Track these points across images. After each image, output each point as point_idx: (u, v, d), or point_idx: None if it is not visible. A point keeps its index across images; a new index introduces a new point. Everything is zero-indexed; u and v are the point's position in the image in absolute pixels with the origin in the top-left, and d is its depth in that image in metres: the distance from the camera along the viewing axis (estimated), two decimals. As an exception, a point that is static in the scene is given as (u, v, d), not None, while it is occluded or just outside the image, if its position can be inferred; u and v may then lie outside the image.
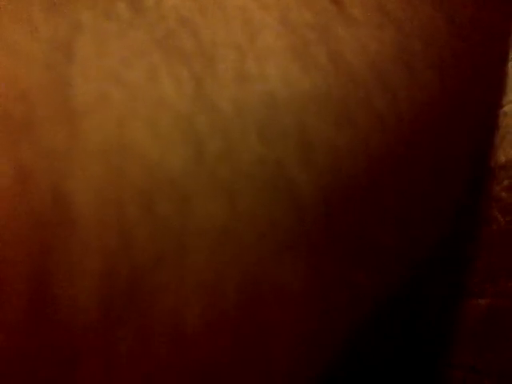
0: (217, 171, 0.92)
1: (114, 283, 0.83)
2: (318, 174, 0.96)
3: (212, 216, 0.89)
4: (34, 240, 0.83)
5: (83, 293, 0.82)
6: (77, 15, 0.89)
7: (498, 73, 1.16)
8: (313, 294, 0.90)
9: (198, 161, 0.92)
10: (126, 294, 0.82)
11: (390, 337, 0.98)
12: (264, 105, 0.97)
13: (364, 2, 1.05)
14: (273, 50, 0.99)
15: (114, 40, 0.90)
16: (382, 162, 1.01)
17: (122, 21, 0.91)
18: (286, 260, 0.91)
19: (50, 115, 0.87)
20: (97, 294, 0.82)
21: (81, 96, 0.89)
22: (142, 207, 0.87)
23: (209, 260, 0.87)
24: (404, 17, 1.09)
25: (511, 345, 0.91)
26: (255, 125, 0.96)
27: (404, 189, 1.02)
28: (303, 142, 0.97)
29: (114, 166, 0.88)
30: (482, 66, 1.13)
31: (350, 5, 1.05)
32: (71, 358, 0.81)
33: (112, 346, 0.81)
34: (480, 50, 1.14)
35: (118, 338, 0.81)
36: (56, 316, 0.82)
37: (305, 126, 0.98)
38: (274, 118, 0.97)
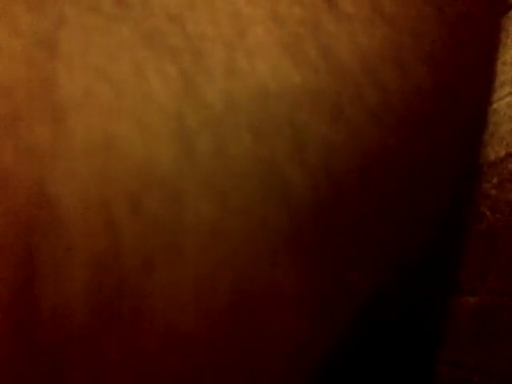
0: (208, 169, 0.90)
1: (103, 286, 0.81)
2: (310, 170, 0.94)
3: (203, 215, 0.87)
4: (18, 243, 0.80)
5: (71, 297, 0.79)
6: (60, 9, 0.86)
7: (487, 70, 1.15)
8: (306, 293, 0.89)
9: (188, 159, 0.90)
10: (115, 297, 0.80)
11: (381, 334, 0.98)
12: (255, 101, 0.95)
13: (355, -3, 1.04)
14: (263, 45, 0.97)
15: (98, 35, 0.88)
16: (374, 158, 1.00)
17: (108, 15, 0.88)
18: (279, 259, 0.89)
19: (34, 113, 0.84)
20: (85, 298, 0.80)
21: (65, 93, 0.86)
22: (131, 207, 0.85)
23: (201, 260, 0.85)
24: (395, 12, 1.07)
25: (500, 341, 0.91)
26: (246, 121, 0.94)
27: (395, 185, 1.02)
28: (295, 138, 0.96)
29: (100, 165, 0.86)
30: (473, 62, 1.13)
31: (341, -1, 1.03)
32: (59, 364, 0.79)
33: (102, 351, 0.79)
34: (470, 47, 1.13)
35: (108, 343, 0.79)
36: (43, 321, 0.79)
37: (296, 121, 0.97)
38: (265, 113, 0.95)
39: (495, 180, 1.09)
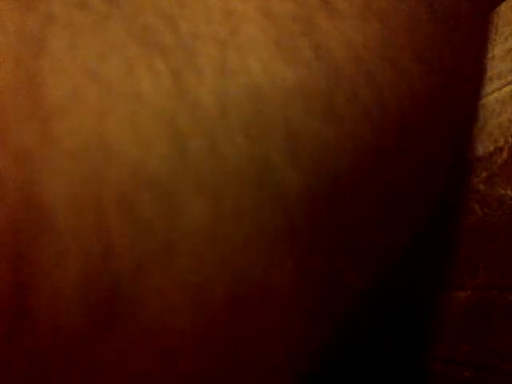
0: (201, 170, 0.89)
1: (96, 291, 0.80)
2: (304, 169, 0.94)
3: (197, 217, 0.86)
4: (7, 248, 0.79)
5: (63, 302, 0.78)
6: (47, 6, 0.83)
7: (477, 65, 1.16)
8: (302, 293, 0.89)
9: (180, 160, 0.89)
10: (108, 301, 0.80)
11: (374, 332, 0.99)
12: (248, 99, 0.94)
13: (346, -8, 1.03)
14: (255, 43, 0.96)
15: (88, 33, 0.85)
16: (369, 156, 1.00)
17: (97, 12, 0.86)
18: (275, 259, 0.89)
19: (22, 113, 0.81)
20: (78, 303, 0.79)
21: (54, 93, 0.83)
22: (123, 210, 0.84)
23: (195, 263, 0.85)
24: (387, 9, 1.07)
25: (489, 336, 0.93)
26: (239, 120, 0.93)
27: (389, 183, 1.02)
28: (289, 137, 0.95)
29: (91, 168, 0.84)
30: (463, 58, 1.13)
31: (333, -5, 1.02)
32: (52, 369, 0.78)
33: (95, 356, 0.79)
34: (461, 43, 1.13)
35: (102, 348, 0.79)
36: (34, 327, 0.78)
37: (290, 120, 0.96)
38: (258, 113, 0.94)
39: (484, 175, 1.10)
